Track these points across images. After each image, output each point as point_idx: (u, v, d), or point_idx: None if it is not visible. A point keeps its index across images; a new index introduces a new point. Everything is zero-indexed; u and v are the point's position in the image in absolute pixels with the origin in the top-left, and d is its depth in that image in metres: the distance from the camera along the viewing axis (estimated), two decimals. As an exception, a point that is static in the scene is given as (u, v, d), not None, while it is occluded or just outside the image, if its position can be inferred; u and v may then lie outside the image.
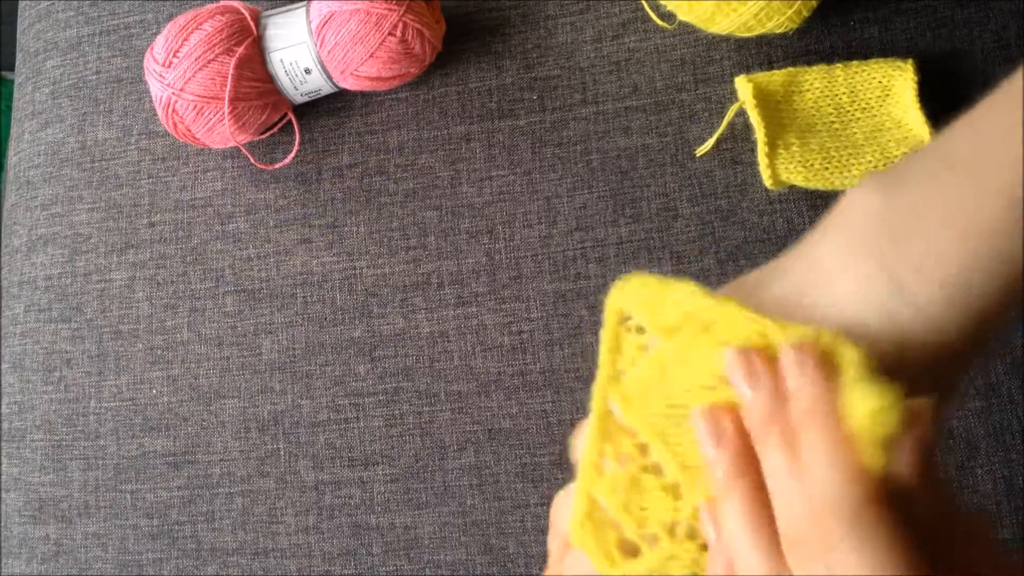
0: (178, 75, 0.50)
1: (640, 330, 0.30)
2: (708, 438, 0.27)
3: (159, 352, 0.55)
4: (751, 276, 0.30)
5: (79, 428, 0.56)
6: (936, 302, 0.26)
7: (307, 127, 0.56)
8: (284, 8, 0.52)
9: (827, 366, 0.26)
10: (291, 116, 0.55)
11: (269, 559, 0.52)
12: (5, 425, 0.58)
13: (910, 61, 0.49)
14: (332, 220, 0.55)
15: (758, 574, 0.25)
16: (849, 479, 0.24)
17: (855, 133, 0.48)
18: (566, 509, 0.34)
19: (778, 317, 0.27)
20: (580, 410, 0.50)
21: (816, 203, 0.50)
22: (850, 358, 0.25)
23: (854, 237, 0.27)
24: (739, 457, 0.27)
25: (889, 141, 0.48)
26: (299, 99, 0.54)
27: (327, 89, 0.53)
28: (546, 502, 0.49)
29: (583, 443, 0.31)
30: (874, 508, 0.23)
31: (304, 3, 0.52)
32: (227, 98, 0.50)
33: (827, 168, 0.48)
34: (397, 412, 0.52)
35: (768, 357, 0.27)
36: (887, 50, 0.51)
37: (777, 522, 0.25)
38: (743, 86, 0.49)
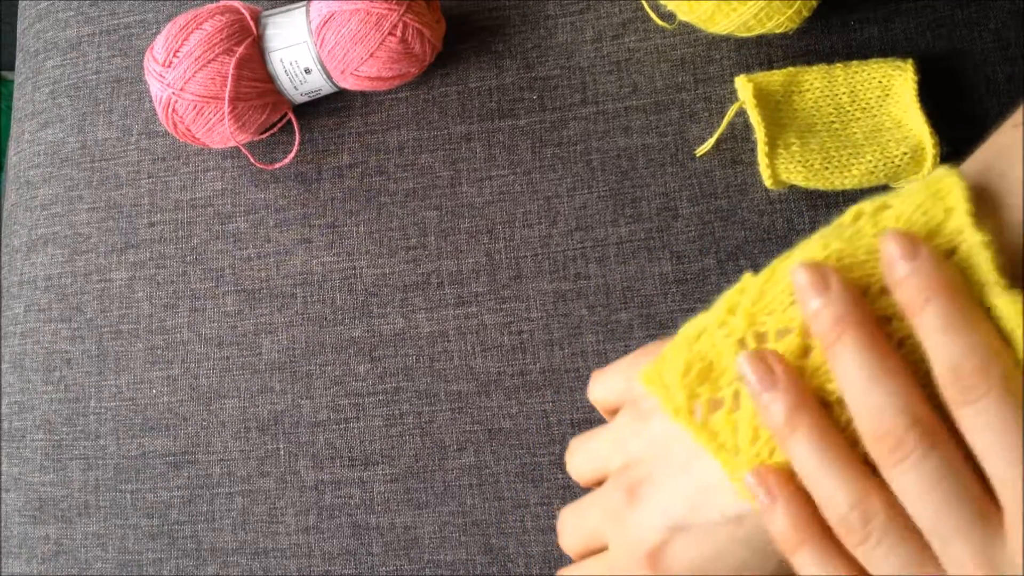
0: (178, 75, 0.50)
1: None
2: (816, 286, 0.26)
3: (159, 352, 0.55)
4: None
5: (79, 428, 0.56)
6: None
7: (307, 127, 0.56)
8: (284, 8, 0.52)
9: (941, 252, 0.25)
10: (291, 116, 0.55)
11: (269, 559, 0.52)
12: (5, 425, 0.58)
13: (910, 61, 0.49)
14: (332, 220, 0.55)
15: (840, 499, 0.24)
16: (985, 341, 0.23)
17: (855, 133, 0.48)
18: (574, 519, 0.34)
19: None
20: (580, 410, 0.50)
21: (816, 203, 0.50)
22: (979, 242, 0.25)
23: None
24: (853, 301, 0.26)
25: (889, 141, 0.48)
26: (299, 99, 0.54)
27: (327, 89, 0.53)
28: (546, 502, 0.49)
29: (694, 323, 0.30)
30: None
31: (304, 3, 0.52)
32: (227, 98, 0.50)
33: (827, 168, 0.48)
34: (397, 412, 0.52)
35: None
36: (887, 50, 0.51)
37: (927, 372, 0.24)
38: (743, 86, 0.50)
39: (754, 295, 0.28)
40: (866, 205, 0.28)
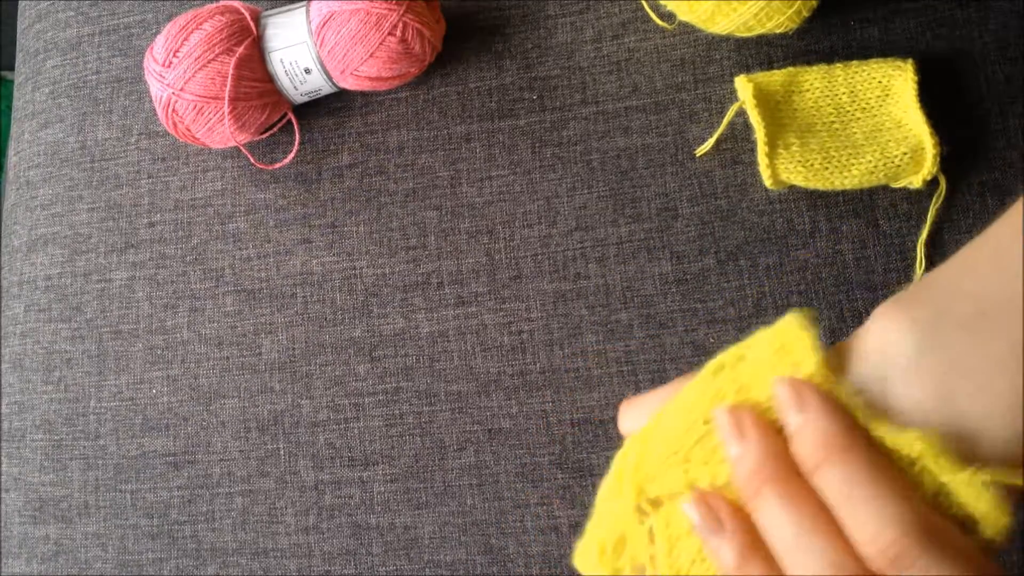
0: (178, 75, 0.50)
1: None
2: (732, 432, 0.27)
3: (159, 352, 0.55)
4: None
5: (79, 428, 0.56)
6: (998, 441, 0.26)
7: (307, 127, 0.56)
8: (284, 8, 0.52)
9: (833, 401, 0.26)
10: (291, 116, 0.55)
11: (269, 559, 0.52)
12: (5, 425, 0.58)
13: (910, 61, 0.49)
14: (332, 220, 0.55)
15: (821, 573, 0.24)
16: (908, 504, 0.24)
17: (855, 133, 0.48)
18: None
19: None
20: (580, 410, 0.50)
21: (816, 203, 0.50)
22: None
23: (889, 378, 0.27)
24: (770, 453, 0.26)
25: (889, 141, 0.48)
26: (299, 99, 0.54)
27: (327, 89, 0.53)
28: (546, 502, 0.49)
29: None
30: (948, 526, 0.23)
31: (304, 3, 0.52)
32: (227, 98, 0.50)
33: (827, 168, 0.48)
34: (397, 412, 0.52)
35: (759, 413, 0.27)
36: (887, 50, 0.51)
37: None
38: (743, 86, 0.49)
39: (635, 462, 0.30)
40: (726, 357, 0.29)
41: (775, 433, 0.27)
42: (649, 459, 0.29)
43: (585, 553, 0.31)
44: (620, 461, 0.30)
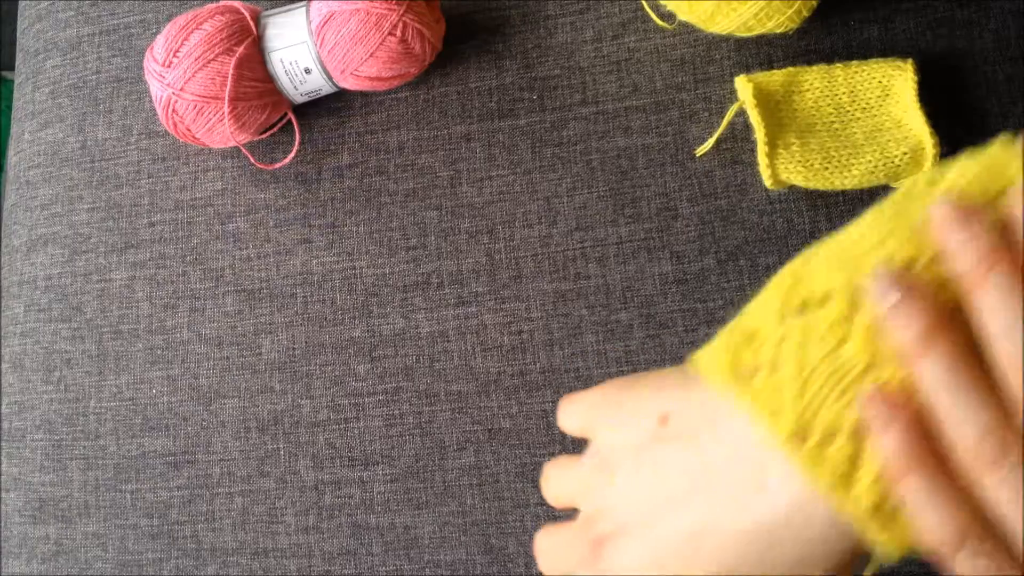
0: (178, 75, 0.50)
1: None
2: (957, 217, 0.25)
3: (159, 352, 0.55)
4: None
5: (79, 428, 0.56)
6: None
7: (307, 127, 0.56)
8: (284, 8, 0.52)
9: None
10: (291, 116, 0.55)
11: (269, 559, 0.52)
12: (5, 425, 0.58)
13: (910, 61, 0.49)
14: (332, 220, 0.55)
15: (977, 421, 0.24)
16: None
17: (855, 133, 0.48)
18: (552, 545, 0.34)
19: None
20: (580, 410, 0.50)
21: (816, 203, 0.50)
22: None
23: None
24: (996, 244, 0.25)
25: (889, 141, 0.48)
26: (299, 99, 0.54)
27: (327, 89, 0.53)
28: (546, 502, 0.49)
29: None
30: None
31: (304, 3, 0.52)
32: (227, 98, 0.50)
33: (827, 168, 0.48)
34: (397, 412, 0.52)
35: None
36: (887, 50, 0.51)
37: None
38: (743, 86, 0.49)
39: (790, 275, 0.28)
40: (919, 177, 0.28)
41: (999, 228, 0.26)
42: (805, 270, 0.28)
43: (708, 348, 0.29)
44: (775, 279, 0.29)
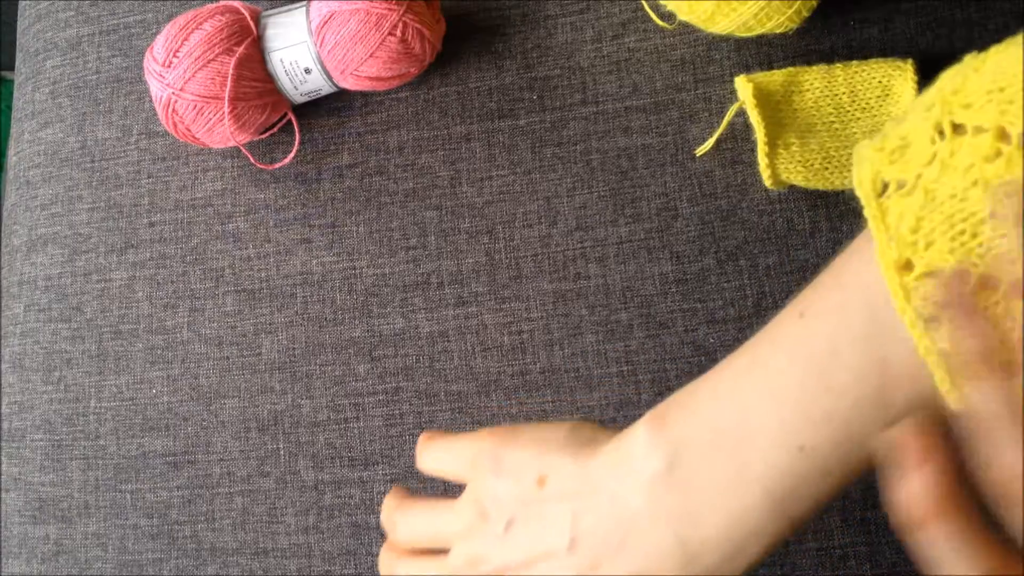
0: (178, 75, 0.50)
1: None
2: None
3: (159, 352, 0.55)
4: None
5: (79, 428, 0.56)
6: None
7: (307, 127, 0.56)
8: (284, 8, 0.52)
9: None
10: (291, 116, 0.55)
11: (269, 559, 0.52)
12: (5, 425, 0.58)
13: (910, 61, 0.49)
14: (332, 220, 0.55)
15: None
16: None
17: (855, 133, 0.48)
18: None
19: None
20: (580, 410, 0.50)
21: (816, 203, 0.50)
22: None
23: (641, 500, 0.30)
24: None
25: (889, 141, 0.48)
26: (299, 99, 0.54)
27: (327, 89, 0.53)
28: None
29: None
30: None
31: (304, 3, 0.52)
32: (227, 98, 0.50)
33: (827, 168, 0.48)
34: (397, 412, 0.52)
35: None
36: (887, 50, 0.51)
37: None
38: (743, 86, 0.49)
39: (956, 85, 0.27)
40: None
41: None
42: (971, 87, 0.27)
43: (871, 146, 0.28)
44: (940, 81, 0.27)
